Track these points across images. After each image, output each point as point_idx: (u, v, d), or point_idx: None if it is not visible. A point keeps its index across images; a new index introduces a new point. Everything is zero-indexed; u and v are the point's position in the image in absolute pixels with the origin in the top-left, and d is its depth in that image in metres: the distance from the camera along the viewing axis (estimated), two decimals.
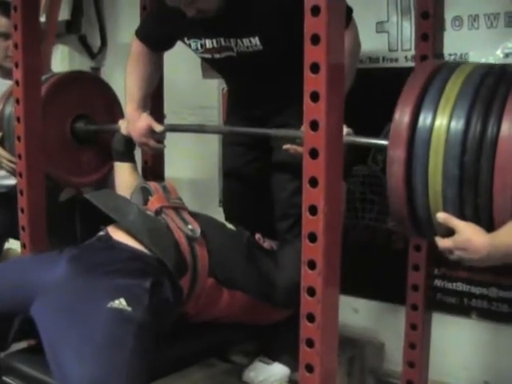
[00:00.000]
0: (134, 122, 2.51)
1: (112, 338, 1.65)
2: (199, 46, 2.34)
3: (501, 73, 1.70)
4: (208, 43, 2.31)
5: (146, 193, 2.23)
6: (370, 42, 2.70)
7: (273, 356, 2.43)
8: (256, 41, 2.23)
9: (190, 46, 2.37)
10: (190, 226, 2.06)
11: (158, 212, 2.11)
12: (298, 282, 1.60)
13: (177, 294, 1.91)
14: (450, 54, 2.57)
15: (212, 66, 2.54)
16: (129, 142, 2.56)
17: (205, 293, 2.00)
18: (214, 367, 2.44)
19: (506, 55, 2.49)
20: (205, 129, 2.58)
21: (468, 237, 1.58)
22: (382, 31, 2.78)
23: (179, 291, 1.92)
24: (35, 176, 2.39)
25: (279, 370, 2.41)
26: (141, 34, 2.54)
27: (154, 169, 2.95)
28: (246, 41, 2.24)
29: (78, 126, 2.80)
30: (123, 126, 2.57)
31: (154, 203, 2.15)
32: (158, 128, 2.49)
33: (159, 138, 2.53)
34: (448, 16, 2.53)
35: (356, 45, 2.24)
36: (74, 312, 1.72)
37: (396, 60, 2.77)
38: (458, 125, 1.61)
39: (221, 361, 2.48)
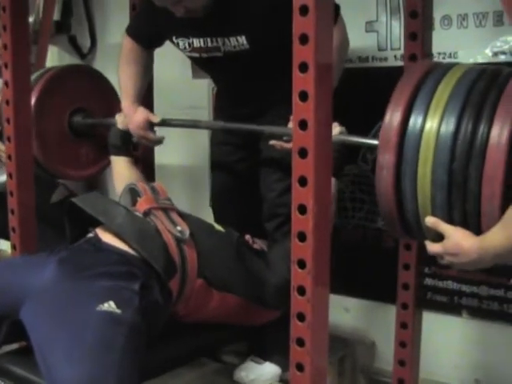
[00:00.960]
0: (131, 116, 2.53)
1: (102, 340, 1.64)
2: (187, 45, 2.34)
3: (492, 77, 1.69)
4: (196, 42, 2.32)
5: (134, 194, 2.22)
6: (360, 42, 2.71)
7: (264, 355, 2.44)
8: (243, 40, 2.23)
9: (178, 45, 2.38)
10: (178, 228, 2.05)
11: (147, 213, 2.10)
12: (288, 280, 1.60)
13: (166, 296, 1.91)
14: (439, 53, 2.58)
15: (199, 65, 2.55)
16: (125, 136, 2.57)
17: (194, 294, 2.00)
18: (206, 367, 2.44)
19: (495, 54, 2.50)
20: (199, 124, 2.58)
21: (457, 241, 1.60)
22: (371, 31, 2.78)
23: (168, 293, 1.92)
24: (25, 177, 2.38)
25: (270, 369, 2.42)
26: (131, 31, 2.55)
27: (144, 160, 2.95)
28: (233, 40, 2.24)
29: (75, 120, 2.83)
30: (119, 120, 2.59)
31: (142, 204, 2.14)
32: (156, 119, 2.52)
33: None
34: (437, 15, 2.53)
35: (344, 40, 2.26)
36: (64, 315, 1.72)
37: (385, 59, 2.77)
38: (447, 130, 1.62)
39: (212, 361, 2.49)
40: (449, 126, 1.62)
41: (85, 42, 3.87)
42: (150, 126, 2.53)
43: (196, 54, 2.38)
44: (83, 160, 2.91)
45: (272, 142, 2.18)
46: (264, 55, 2.26)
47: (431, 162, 1.63)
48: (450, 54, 2.59)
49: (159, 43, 2.56)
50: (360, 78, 2.71)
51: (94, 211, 2.05)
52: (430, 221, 1.66)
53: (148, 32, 2.51)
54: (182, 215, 2.16)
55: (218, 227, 2.25)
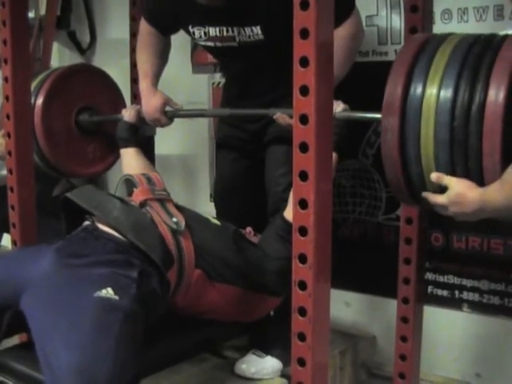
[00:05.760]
0: (149, 98, 2.55)
1: (99, 326, 1.65)
2: (202, 34, 2.36)
3: (487, 42, 1.75)
4: (211, 31, 2.33)
5: (130, 185, 2.22)
6: None
7: (265, 349, 2.44)
8: (258, 30, 2.24)
9: (193, 34, 2.39)
10: (174, 219, 2.05)
11: (143, 204, 2.10)
12: (285, 258, 1.61)
13: (164, 287, 1.91)
14: None
15: (213, 54, 2.58)
16: (132, 129, 2.61)
17: (192, 285, 2.00)
18: (206, 362, 2.44)
19: None
20: (205, 113, 2.63)
21: (460, 191, 1.66)
22: (371, 25, 2.78)
23: (166, 284, 1.92)
24: (25, 173, 2.38)
25: (271, 363, 2.42)
26: (148, 17, 2.58)
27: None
28: (248, 30, 2.25)
29: (82, 118, 2.86)
30: (126, 114, 2.62)
31: (138, 195, 2.14)
32: (177, 105, 2.58)
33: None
34: (437, 9, 2.53)
35: (357, 32, 2.28)
36: (62, 302, 1.72)
37: (386, 53, 2.78)
38: (447, 92, 1.68)
39: (212, 355, 2.49)
40: (448, 87, 1.69)
41: (84, 38, 3.87)
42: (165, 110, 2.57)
43: (211, 43, 2.39)
44: (90, 157, 2.94)
45: (276, 116, 2.20)
46: (278, 47, 2.25)
47: (433, 123, 1.69)
48: None
49: (175, 30, 2.58)
50: (360, 72, 2.71)
51: (89, 205, 2.04)
52: (434, 176, 1.71)
53: (164, 19, 2.52)
54: (178, 207, 2.16)
55: (214, 220, 2.25)
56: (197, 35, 2.38)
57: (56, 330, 1.66)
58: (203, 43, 2.42)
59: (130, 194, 2.19)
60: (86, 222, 2.05)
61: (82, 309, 1.68)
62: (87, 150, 2.92)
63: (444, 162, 1.70)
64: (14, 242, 2.41)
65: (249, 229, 2.30)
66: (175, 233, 2.01)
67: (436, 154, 1.70)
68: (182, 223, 2.05)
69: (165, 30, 2.58)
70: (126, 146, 2.60)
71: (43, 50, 3.40)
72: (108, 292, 1.71)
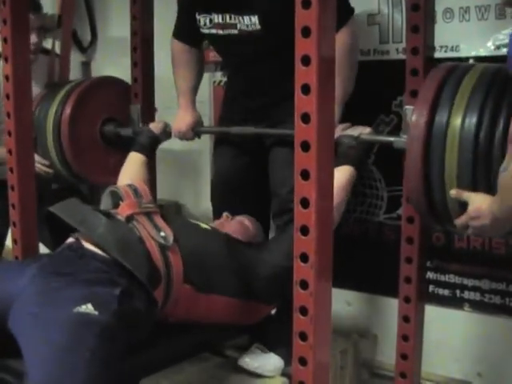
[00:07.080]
0: (184, 115, 2.69)
1: (72, 340, 1.62)
2: (208, 22, 2.40)
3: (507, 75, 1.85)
4: (216, 18, 2.37)
5: (116, 197, 2.17)
6: (362, 35, 2.69)
7: (268, 346, 2.44)
8: (255, 20, 2.26)
9: (199, 22, 2.43)
10: (162, 233, 2.00)
11: (129, 219, 2.05)
12: (284, 268, 1.60)
13: (150, 306, 1.89)
14: (441, 46, 2.57)
15: (215, 44, 2.61)
16: (153, 138, 2.69)
17: (181, 300, 1.97)
18: (207, 361, 2.44)
19: (497, 47, 2.49)
20: (231, 131, 2.62)
21: (477, 205, 1.76)
22: (373, 23, 2.78)
23: (153, 302, 1.90)
24: (26, 172, 2.37)
25: (274, 360, 2.42)
26: (174, 33, 2.66)
27: None
28: (246, 19, 2.28)
29: (106, 129, 2.98)
30: (155, 128, 2.71)
31: (124, 209, 2.08)
32: (203, 129, 2.77)
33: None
34: (439, 8, 2.53)
35: (352, 44, 2.29)
36: (43, 319, 1.69)
37: (387, 52, 2.77)
38: (471, 118, 1.82)
39: (213, 355, 2.49)
40: (473, 113, 1.82)
41: (85, 36, 3.87)
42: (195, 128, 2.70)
43: (214, 31, 2.42)
44: (111, 167, 2.99)
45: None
46: (276, 40, 2.26)
47: (457, 148, 1.83)
48: (452, 47, 2.58)
49: (201, 36, 2.59)
50: (361, 71, 2.71)
51: (74, 221, 2.00)
52: (454, 192, 1.84)
53: (187, 27, 2.57)
54: (165, 218, 2.11)
55: (204, 225, 2.23)
56: (202, 23, 2.42)
57: (34, 346, 1.65)
58: (207, 31, 2.45)
59: (116, 206, 2.14)
60: (71, 239, 2.02)
61: (59, 324, 1.65)
62: (109, 160, 3.02)
63: (466, 183, 1.83)
64: (14, 241, 2.40)
65: (225, 213, 2.32)
66: (163, 248, 1.97)
67: (459, 177, 1.83)
68: (170, 238, 2.00)
69: (191, 39, 2.62)
70: (139, 151, 2.62)
71: (61, 52, 3.32)
72: (88, 307, 1.68)
